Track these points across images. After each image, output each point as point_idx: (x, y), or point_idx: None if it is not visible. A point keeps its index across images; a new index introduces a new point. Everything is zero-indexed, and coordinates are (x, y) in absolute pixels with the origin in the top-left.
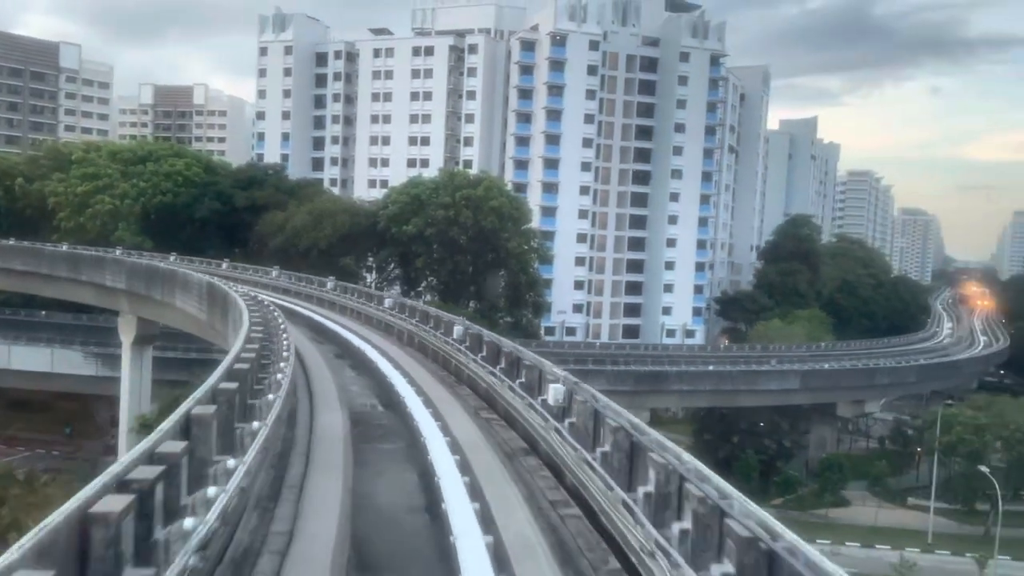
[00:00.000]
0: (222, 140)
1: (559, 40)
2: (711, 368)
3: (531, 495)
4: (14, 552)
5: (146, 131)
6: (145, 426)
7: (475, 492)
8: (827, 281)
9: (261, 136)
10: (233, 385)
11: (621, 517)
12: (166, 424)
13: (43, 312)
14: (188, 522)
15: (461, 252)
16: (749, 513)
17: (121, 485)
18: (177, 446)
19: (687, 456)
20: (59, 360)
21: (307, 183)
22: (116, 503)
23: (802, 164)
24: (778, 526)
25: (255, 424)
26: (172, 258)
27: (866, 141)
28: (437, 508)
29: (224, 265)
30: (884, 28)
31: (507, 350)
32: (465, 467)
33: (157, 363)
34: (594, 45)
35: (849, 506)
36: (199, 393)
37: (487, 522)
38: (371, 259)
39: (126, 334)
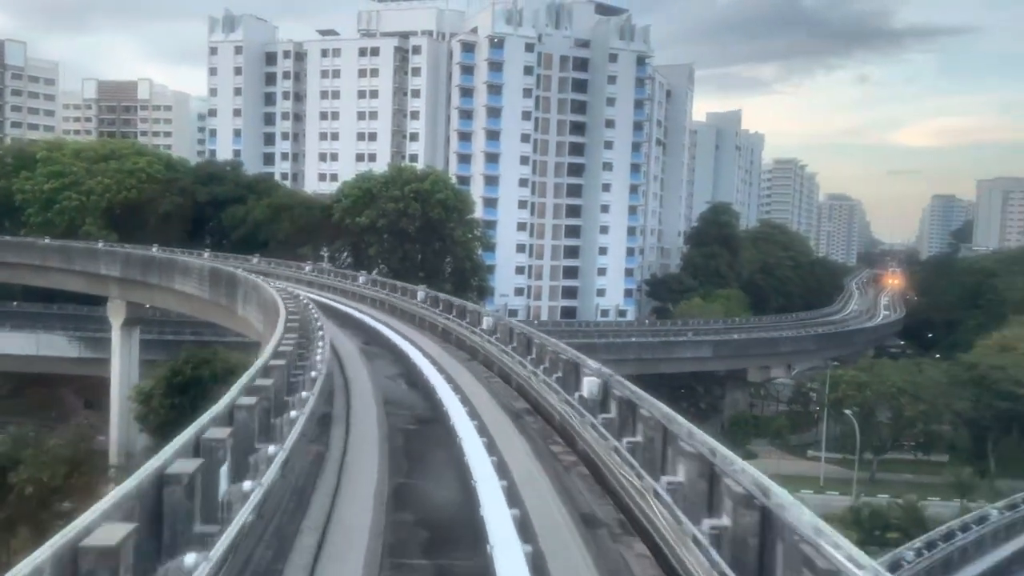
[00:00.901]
0: (168, 135)
1: (497, 42)
2: (634, 340)
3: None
4: (99, 507)
5: (90, 126)
6: (144, 395)
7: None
8: (747, 263)
9: (213, 132)
10: (282, 361)
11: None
12: (233, 391)
13: (15, 303)
14: (247, 484)
15: (410, 241)
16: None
17: (193, 448)
18: (250, 401)
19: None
20: (44, 344)
21: (264, 178)
22: (187, 466)
23: (728, 154)
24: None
25: (303, 394)
26: (206, 254)
27: (798, 128)
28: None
29: (255, 260)
30: (815, 18)
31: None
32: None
33: (143, 345)
34: (530, 47)
35: (756, 459)
36: (253, 371)
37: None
38: (325, 249)
39: (116, 317)
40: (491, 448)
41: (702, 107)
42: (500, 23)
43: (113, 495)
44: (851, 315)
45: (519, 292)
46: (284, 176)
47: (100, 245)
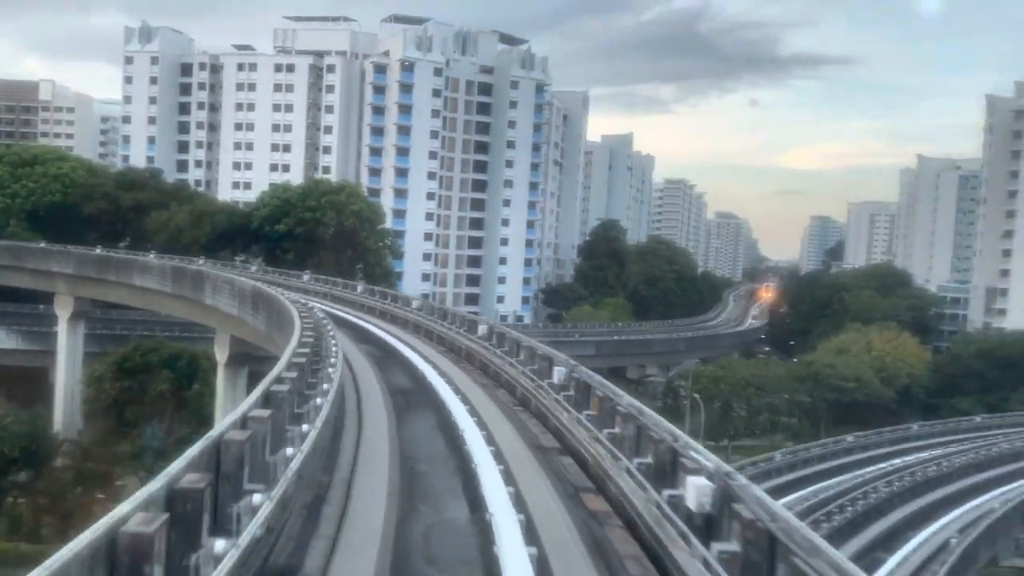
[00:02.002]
0: (70, 136)
1: (408, 66)
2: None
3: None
4: (178, 463)
5: None
6: (95, 379)
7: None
8: (634, 275)
9: (127, 139)
10: (306, 350)
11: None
12: (276, 370)
13: None
14: (289, 450)
15: (325, 248)
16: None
17: (243, 421)
18: (282, 388)
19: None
20: None
21: (184, 186)
22: (239, 435)
23: (620, 174)
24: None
25: (330, 370)
26: (201, 261)
27: (694, 147)
28: None
29: (253, 268)
30: (710, 43)
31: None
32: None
33: (86, 338)
34: (438, 71)
35: None
36: (286, 357)
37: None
38: (243, 255)
39: (63, 311)
40: (458, 393)
41: (603, 124)
42: (411, 48)
43: (191, 452)
44: (722, 322)
45: (425, 297)
46: (197, 183)
47: (42, 245)
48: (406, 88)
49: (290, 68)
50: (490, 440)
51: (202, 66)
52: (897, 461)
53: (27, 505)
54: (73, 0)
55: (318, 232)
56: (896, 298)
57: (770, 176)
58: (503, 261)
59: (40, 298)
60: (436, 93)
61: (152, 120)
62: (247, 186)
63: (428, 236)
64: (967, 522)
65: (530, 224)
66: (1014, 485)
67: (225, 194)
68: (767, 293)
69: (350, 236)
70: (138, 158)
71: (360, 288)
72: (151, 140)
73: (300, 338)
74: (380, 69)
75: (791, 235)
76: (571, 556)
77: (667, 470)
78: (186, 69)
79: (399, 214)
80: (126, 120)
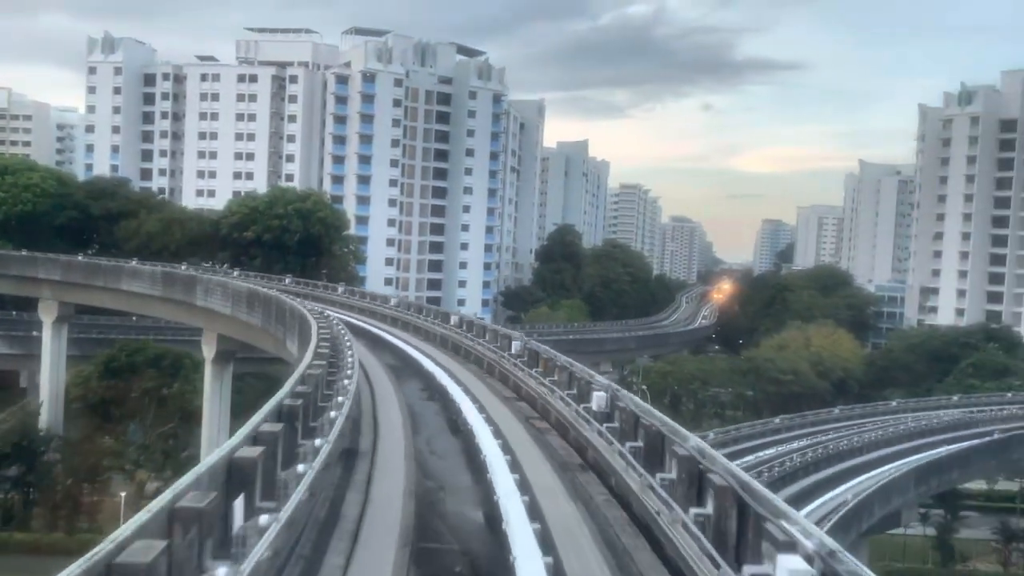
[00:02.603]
0: (27, 144)
1: (369, 77)
2: None
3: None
4: (234, 439)
5: None
6: (83, 378)
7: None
8: (589, 277)
9: (90, 148)
10: (326, 349)
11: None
12: (307, 358)
13: None
14: (317, 441)
15: (291, 254)
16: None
17: (277, 413)
18: (315, 374)
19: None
20: None
21: (152, 194)
22: (273, 427)
23: (576, 180)
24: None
25: (348, 371)
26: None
27: (649, 151)
28: None
29: (287, 280)
30: (664, 48)
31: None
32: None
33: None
34: (398, 82)
35: None
36: (308, 357)
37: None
38: (211, 261)
39: (47, 316)
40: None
41: (559, 128)
42: (372, 60)
43: (245, 428)
44: (673, 322)
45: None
46: (161, 191)
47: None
48: (368, 98)
49: (253, 78)
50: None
51: (165, 76)
52: (816, 438)
53: (18, 497)
54: (18, 1)
55: (285, 239)
56: (836, 297)
57: (724, 179)
58: (463, 265)
59: (20, 304)
60: (397, 103)
61: (116, 129)
62: (211, 194)
63: (390, 242)
64: (867, 487)
65: (489, 229)
66: (914, 457)
67: (189, 202)
68: (718, 295)
69: (316, 242)
70: (102, 166)
71: (341, 289)
72: (115, 149)
73: (319, 333)
74: (342, 80)
75: (745, 238)
76: None
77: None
78: (149, 79)
79: (362, 220)
80: (89, 129)
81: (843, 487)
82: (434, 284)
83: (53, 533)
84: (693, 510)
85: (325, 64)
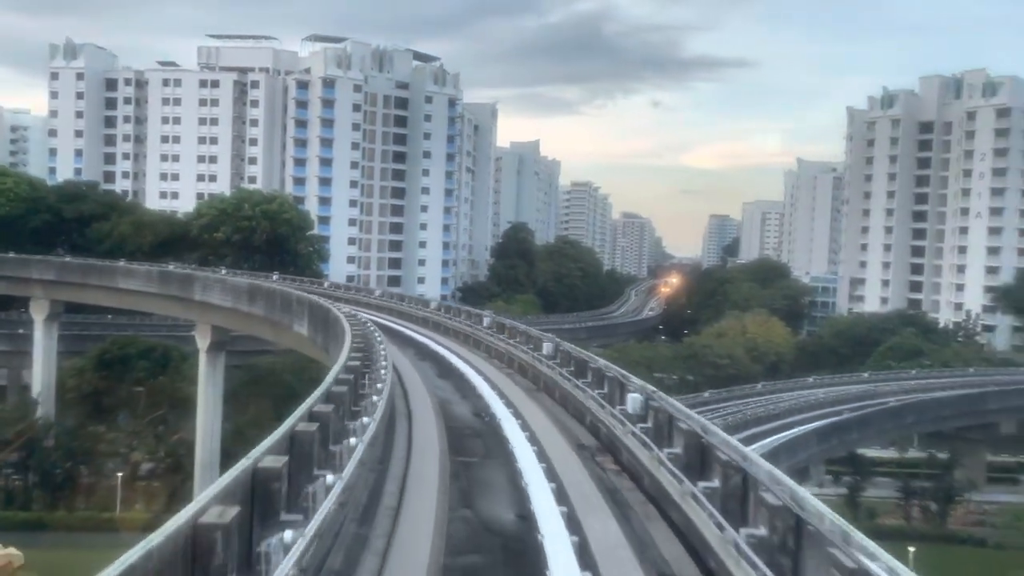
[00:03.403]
0: None
1: (329, 83)
2: None
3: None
4: (267, 443)
5: None
6: (77, 370)
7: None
8: (542, 273)
9: (53, 152)
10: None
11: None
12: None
13: None
14: (365, 419)
15: (259, 253)
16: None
17: (326, 397)
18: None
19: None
20: None
21: (123, 197)
22: (320, 412)
23: (528, 179)
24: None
25: (382, 361)
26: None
27: (600, 147)
28: None
29: (275, 276)
30: (613, 45)
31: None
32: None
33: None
34: (357, 88)
35: None
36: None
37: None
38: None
39: (39, 314)
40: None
41: (512, 125)
42: (332, 66)
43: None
44: (622, 314)
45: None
46: (124, 193)
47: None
48: (328, 103)
49: (215, 84)
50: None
51: (127, 81)
52: (739, 408)
53: (20, 481)
54: None
55: (253, 239)
56: (774, 289)
57: (673, 175)
58: (422, 262)
59: (4, 303)
60: (356, 107)
61: (79, 133)
62: (175, 196)
63: (352, 240)
64: (776, 443)
65: (446, 228)
66: (821, 422)
67: (153, 203)
68: (665, 288)
69: (283, 242)
70: (66, 170)
71: (327, 284)
72: (78, 153)
73: (352, 330)
74: (302, 85)
75: (693, 232)
76: None
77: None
78: (111, 84)
79: (323, 220)
80: (52, 133)
81: (755, 444)
82: (394, 280)
83: (55, 512)
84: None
85: (286, 70)
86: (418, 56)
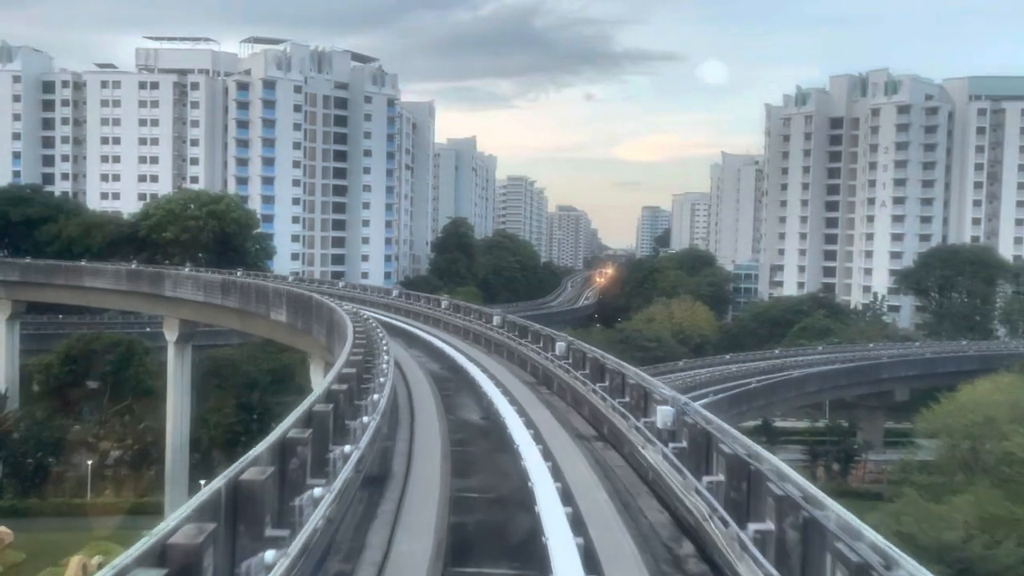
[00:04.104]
0: None
1: (270, 84)
2: None
3: None
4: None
5: None
6: (44, 365)
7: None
8: (482, 266)
9: None
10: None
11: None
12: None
13: None
14: (374, 396)
15: (207, 251)
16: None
17: (340, 378)
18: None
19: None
20: None
21: (68, 199)
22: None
23: (466, 175)
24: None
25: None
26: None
27: (535, 141)
28: None
29: (239, 272)
30: (546, 38)
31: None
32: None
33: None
34: (298, 89)
35: None
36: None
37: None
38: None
39: (1, 313)
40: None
41: (444, 119)
42: (272, 68)
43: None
44: (559, 303)
45: None
46: (65, 195)
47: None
48: (269, 104)
49: (154, 85)
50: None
51: (65, 84)
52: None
53: None
54: None
55: (201, 238)
56: (701, 276)
57: (607, 168)
58: (365, 258)
59: None
60: (297, 108)
61: (16, 136)
62: (116, 196)
63: (295, 238)
64: None
65: (388, 224)
66: (732, 392)
67: (94, 204)
68: (600, 278)
69: (230, 240)
70: (3, 173)
71: (290, 278)
72: (16, 155)
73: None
74: (243, 87)
75: (627, 224)
76: None
77: None
78: (48, 87)
79: (267, 218)
80: None
81: None
82: (338, 275)
83: (27, 500)
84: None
85: (225, 71)
86: (356, 57)
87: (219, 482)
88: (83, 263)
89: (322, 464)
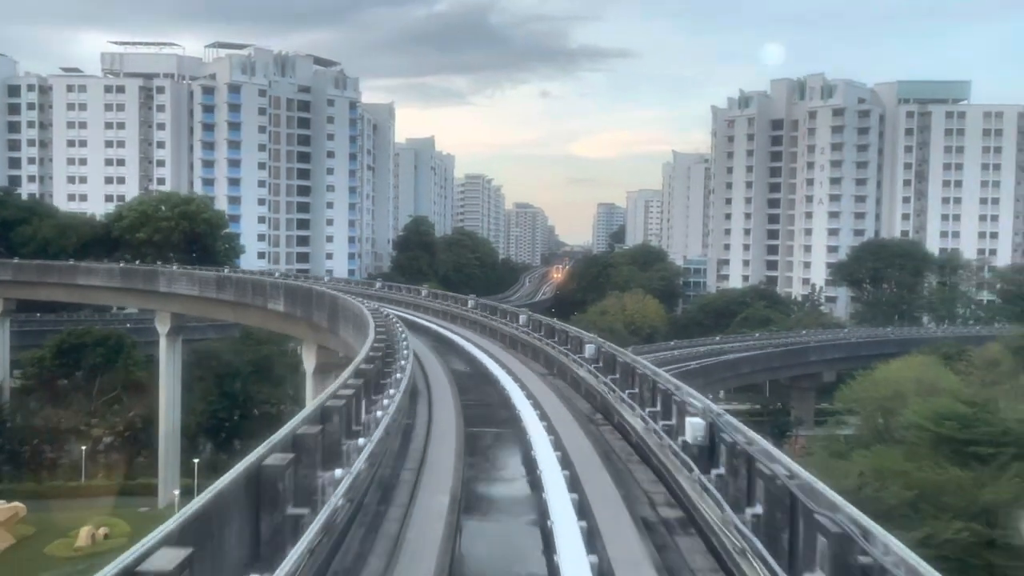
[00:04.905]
0: None
1: (235, 88)
2: None
3: None
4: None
5: None
6: (37, 359)
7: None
8: (443, 263)
9: None
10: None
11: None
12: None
13: None
14: (399, 374)
15: (180, 251)
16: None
17: (369, 356)
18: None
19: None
20: None
21: (40, 202)
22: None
23: (425, 174)
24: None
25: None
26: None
27: (492, 138)
28: None
29: (226, 270)
30: (501, 35)
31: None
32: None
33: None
34: (262, 92)
35: None
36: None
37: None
38: (107, 259)
39: None
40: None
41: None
42: (237, 72)
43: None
44: (517, 298)
45: None
46: (32, 196)
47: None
48: (234, 107)
49: (120, 89)
50: None
51: (30, 87)
52: None
53: None
54: None
55: (173, 238)
56: (652, 271)
57: (563, 165)
58: (329, 256)
59: None
60: (261, 111)
61: None
62: (83, 198)
63: (261, 237)
64: None
65: (351, 223)
66: (673, 372)
67: (61, 205)
68: (557, 274)
69: (201, 240)
70: None
71: (277, 274)
72: None
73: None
74: (208, 91)
75: (584, 221)
76: None
77: None
78: (14, 90)
79: (234, 218)
80: None
81: None
82: (302, 273)
83: (23, 484)
84: None
85: (190, 75)
86: (318, 61)
87: (285, 431)
88: (74, 263)
89: (382, 389)
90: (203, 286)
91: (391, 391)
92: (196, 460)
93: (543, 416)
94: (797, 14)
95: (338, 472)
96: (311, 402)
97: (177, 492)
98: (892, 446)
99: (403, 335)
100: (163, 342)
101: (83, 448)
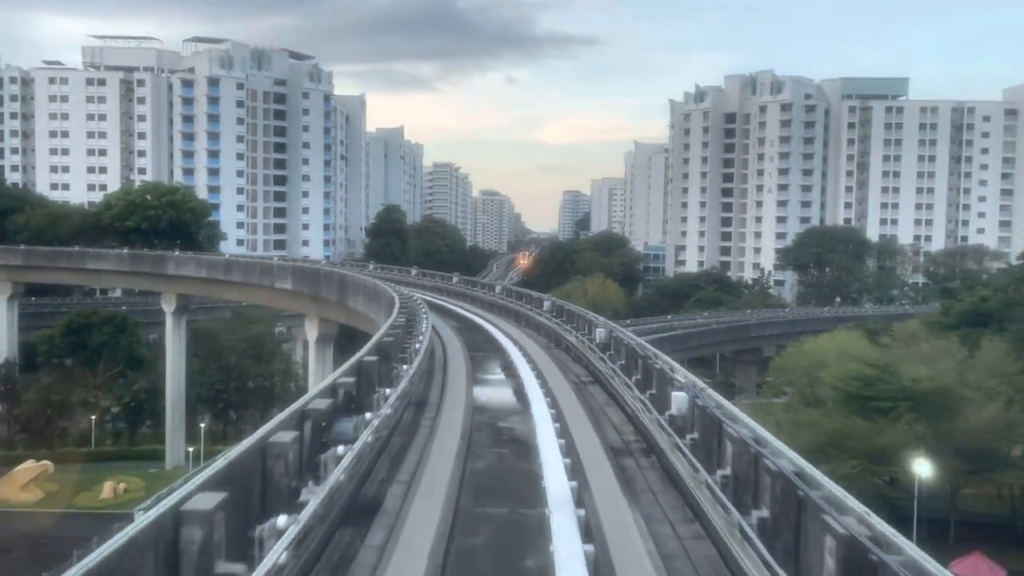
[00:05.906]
0: None
1: (213, 82)
2: None
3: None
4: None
5: None
6: (47, 338)
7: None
8: (414, 250)
9: None
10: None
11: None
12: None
13: None
14: (423, 323)
15: (165, 238)
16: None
17: (389, 330)
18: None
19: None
20: None
21: (30, 191)
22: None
23: (395, 163)
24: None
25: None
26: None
27: (458, 124)
28: None
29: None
30: (467, 21)
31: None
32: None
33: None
34: (240, 86)
35: None
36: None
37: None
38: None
39: (1, 293)
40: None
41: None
42: (215, 67)
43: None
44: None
45: None
46: (15, 186)
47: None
48: (213, 100)
49: (101, 82)
50: None
51: (12, 80)
52: None
53: (6, 427)
54: None
55: (159, 226)
56: (614, 257)
57: (529, 151)
58: (305, 243)
59: None
60: (239, 104)
61: None
62: (65, 187)
63: (240, 224)
64: None
65: (326, 211)
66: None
67: (44, 195)
68: (523, 260)
69: (185, 228)
70: None
71: (275, 259)
72: None
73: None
74: (188, 84)
75: (550, 208)
76: None
77: None
78: None
79: (213, 207)
80: None
81: None
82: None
83: (37, 450)
84: None
85: (169, 69)
86: (293, 55)
87: (335, 375)
88: (80, 249)
89: (409, 347)
90: (211, 269)
91: (422, 330)
92: (203, 424)
93: (517, 345)
94: (755, 3)
95: (404, 367)
96: (373, 339)
97: (191, 449)
98: (817, 407)
99: (418, 300)
100: (169, 320)
101: (92, 418)
